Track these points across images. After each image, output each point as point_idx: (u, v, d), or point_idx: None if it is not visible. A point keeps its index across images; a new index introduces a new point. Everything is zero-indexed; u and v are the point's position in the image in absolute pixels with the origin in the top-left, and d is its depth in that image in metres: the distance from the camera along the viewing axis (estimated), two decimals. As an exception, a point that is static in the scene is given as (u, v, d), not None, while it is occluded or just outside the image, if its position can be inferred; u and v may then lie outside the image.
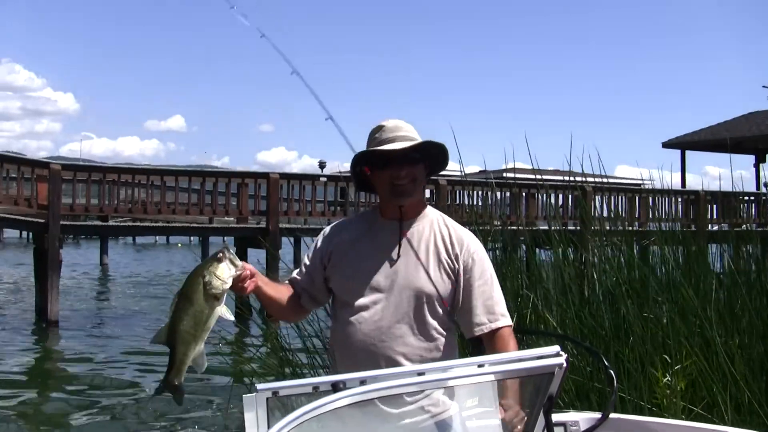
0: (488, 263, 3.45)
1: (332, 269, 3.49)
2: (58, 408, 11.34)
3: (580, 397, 5.56)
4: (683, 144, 36.93)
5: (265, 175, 21.05)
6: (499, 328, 3.37)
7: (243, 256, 18.15)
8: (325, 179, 22.57)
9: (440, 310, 3.36)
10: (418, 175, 3.40)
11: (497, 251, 7.51)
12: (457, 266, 3.38)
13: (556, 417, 4.50)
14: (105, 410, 11.09)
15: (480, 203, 24.74)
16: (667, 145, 37.02)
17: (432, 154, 3.42)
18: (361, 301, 3.36)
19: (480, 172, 60.67)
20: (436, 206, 14.11)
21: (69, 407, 11.38)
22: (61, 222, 17.99)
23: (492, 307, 3.38)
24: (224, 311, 3.01)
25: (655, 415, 5.43)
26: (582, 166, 8.44)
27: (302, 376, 6.17)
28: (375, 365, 3.20)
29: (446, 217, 3.51)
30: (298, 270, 3.60)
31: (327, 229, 3.64)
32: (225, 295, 3.01)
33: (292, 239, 28.10)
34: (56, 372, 14.65)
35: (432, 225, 3.44)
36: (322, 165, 52.99)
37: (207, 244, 39.93)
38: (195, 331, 2.97)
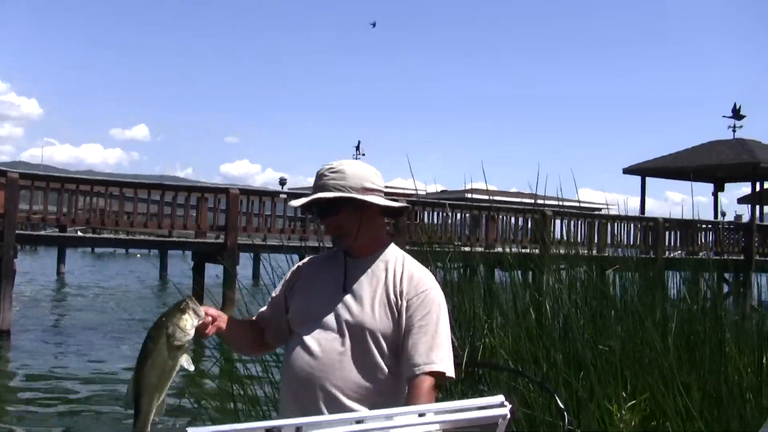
0: (438, 307, 3.25)
1: (291, 300, 3.46)
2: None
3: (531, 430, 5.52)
4: (644, 170, 37.25)
5: (224, 190, 21.01)
6: (425, 373, 3.14)
7: (201, 270, 18.27)
8: (284, 196, 22.51)
9: (387, 350, 3.22)
10: (344, 223, 3.29)
11: (456, 273, 7.45)
12: (400, 303, 3.23)
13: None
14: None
15: (440, 224, 24.77)
16: (627, 171, 37.31)
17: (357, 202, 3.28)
18: (306, 333, 3.30)
19: (441, 192, 60.87)
20: (395, 225, 13.93)
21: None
22: (18, 231, 17.78)
23: (429, 351, 3.16)
24: (186, 361, 3.03)
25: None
26: (545, 189, 8.37)
27: (255, 407, 6.08)
28: (312, 395, 3.21)
29: (408, 256, 3.37)
30: (268, 303, 3.58)
31: (300, 262, 3.62)
32: (188, 345, 3.04)
33: (251, 255, 28.10)
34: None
35: (387, 263, 3.33)
36: (282, 182, 53.00)
37: (166, 256, 39.71)
38: (159, 382, 3.00)
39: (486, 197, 49.05)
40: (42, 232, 19.61)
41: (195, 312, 3.05)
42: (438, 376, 3.14)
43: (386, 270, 3.30)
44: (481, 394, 5.80)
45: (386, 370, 3.22)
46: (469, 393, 5.91)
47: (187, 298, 3.10)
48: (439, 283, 3.35)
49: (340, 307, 3.28)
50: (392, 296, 3.24)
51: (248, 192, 21.78)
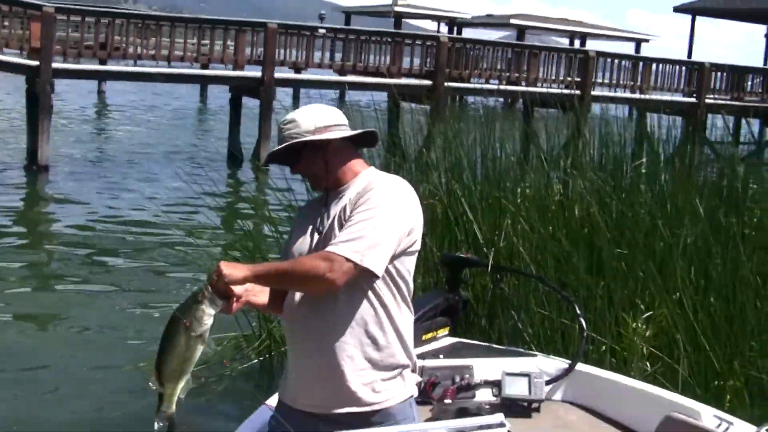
0: (381, 203, 3.13)
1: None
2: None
3: (548, 337, 5.57)
4: (696, 9, 35.88)
5: (262, 24, 20.69)
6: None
7: (238, 104, 18.27)
8: (323, 30, 22.19)
9: None
10: (309, 167, 3.34)
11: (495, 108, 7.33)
12: (349, 215, 3.19)
13: (521, 365, 4.55)
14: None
15: (483, 60, 24.33)
16: (678, 9, 35.99)
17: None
18: None
19: (487, 16, 59.47)
20: (436, 64, 13.80)
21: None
22: (54, 65, 17.70)
23: (343, 239, 3.07)
24: (205, 345, 3.09)
25: (618, 357, 5.46)
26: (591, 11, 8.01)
27: None
28: (297, 337, 3.30)
29: (379, 177, 3.33)
30: (282, 253, 3.57)
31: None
32: (208, 332, 3.07)
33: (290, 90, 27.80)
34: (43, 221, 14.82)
35: (356, 189, 3.28)
36: (321, 17, 52.04)
37: (205, 91, 39.54)
38: (180, 368, 3.07)
39: (531, 24, 47.90)
40: (79, 66, 19.34)
41: (212, 302, 3.06)
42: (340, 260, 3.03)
43: (350, 197, 3.27)
44: (503, 296, 5.91)
45: (370, 302, 3.20)
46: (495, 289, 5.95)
47: (203, 287, 3.09)
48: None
49: (313, 246, 3.28)
50: (346, 213, 3.22)
51: (286, 26, 21.51)
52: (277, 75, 20.42)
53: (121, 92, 38.38)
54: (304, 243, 3.32)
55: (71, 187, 16.97)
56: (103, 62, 22.72)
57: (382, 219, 3.10)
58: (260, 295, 3.41)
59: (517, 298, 5.78)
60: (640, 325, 5.34)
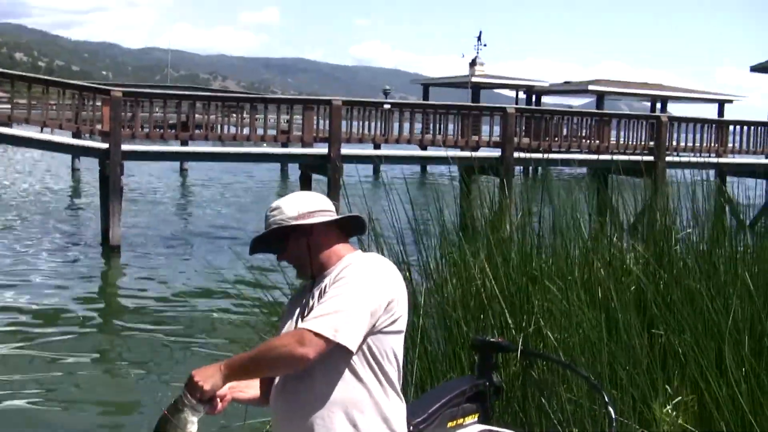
0: (352, 279, 3.09)
1: None
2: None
3: (579, 424, 5.29)
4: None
5: (328, 102, 20.93)
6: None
7: (308, 181, 18.26)
8: (388, 106, 22.33)
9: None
10: (293, 253, 3.32)
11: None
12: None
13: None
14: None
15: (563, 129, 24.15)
16: (756, 68, 35.36)
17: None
18: None
19: (564, 83, 59.09)
20: (504, 135, 13.58)
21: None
22: (124, 147, 18.13)
23: (315, 316, 3.02)
24: None
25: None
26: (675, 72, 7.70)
27: None
28: (278, 423, 3.27)
29: (359, 257, 3.29)
30: None
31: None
32: None
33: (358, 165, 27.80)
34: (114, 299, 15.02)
35: (336, 271, 3.23)
36: (386, 92, 52.47)
37: (286, 167, 39.99)
38: None
39: (609, 89, 47.39)
40: (149, 148, 19.88)
41: (193, 409, 3.03)
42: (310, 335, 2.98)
43: (332, 276, 3.23)
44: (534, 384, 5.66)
45: (338, 378, 3.13)
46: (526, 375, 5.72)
47: (182, 394, 3.05)
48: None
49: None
50: (324, 294, 3.17)
51: (351, 103, 21.69)
52: (344, 151, 20.56)
53: (205, 170, 39.13)
54: (289, 329, 3.25)
55: (141, 267, 17.24)
56: (184, 143, 23.31)
57: (353, 294, 3.05)
58: (248, 389, 3.38)
59: (547, 384, 5.54)
60: (669, 410, 5.04)
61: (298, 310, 3.28)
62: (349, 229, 3.41)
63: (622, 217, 7.87)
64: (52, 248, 18.94)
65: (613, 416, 4.53)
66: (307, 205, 3.30)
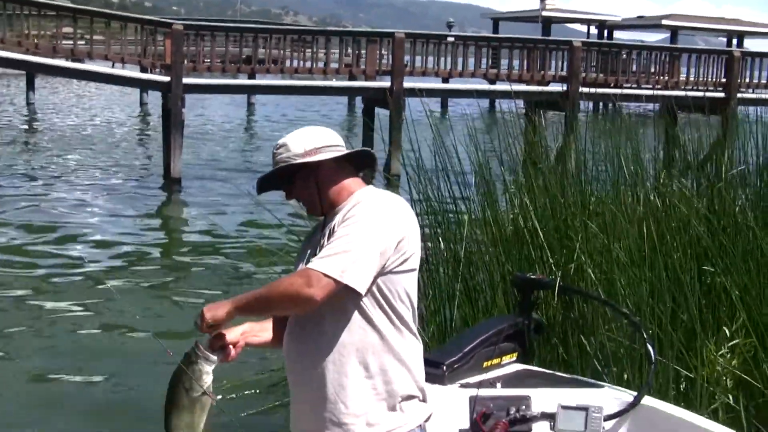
0: (362, 217, 2.99)
1: None
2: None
3: (614, 358, 5.12)
4: None
5: (390, 35, 20.67)
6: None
7: (371, 114, 18.12)
8: (452, 39, 21.97)
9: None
10: (302, 191, 3.21)
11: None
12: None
13: (582, 397, 4.17)
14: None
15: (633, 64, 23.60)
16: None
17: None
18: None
19: (638, 17, 57.91)
20: (570, 69, 13.29)
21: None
22: (185, 80, 18.16)
23: (330, 251, 2.92)
24: (210, 400, 3.04)
25: (696, 390, 4.97)
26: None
27: None
28: (290, 367, 3.20)
29: (370, 194, 3.17)
30: None
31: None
32: (210, 386, 3.02)
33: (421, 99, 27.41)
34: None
35: (347, 208, 3.12)
36: (450, 25, 51.76)
37: (353, 101, 39.71)
38: (190, 429, 3.04)
39: (683, 24, 46.15)
40: (209, 81, 19.86)
41: (206, 359, 3.00)
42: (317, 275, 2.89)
43: (342, 213, 3.12)
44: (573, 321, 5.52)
45: (359, 325, 3.04)
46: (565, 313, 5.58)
47: (193, 346, 3.02)
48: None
49: None
50: (333, 233, 3.07)
51: (414, 36, 21.46)
52: (407, 84, 20.32)
53: (273, 105, 39.13)
54: (300, 268, 3.16)
55: (201, 200, 17.34)
56: (251, 77, 23.29)
57: (361, 234, 2.94)
58: (261, 333, 3.32)
59: (586, 322, 5.39)
60: (724, 353, 4.85)
61: (309, 250, 3.19)
62: (359, 164, 3.30)
63: (689, 155, 7.64)
64: (114, 180, 19.14)
65: (653, 357, 4.39)
66: (314, 141, 3.17)
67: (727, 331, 5.07)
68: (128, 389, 7.56)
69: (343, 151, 3.21)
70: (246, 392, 6.77)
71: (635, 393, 4.17)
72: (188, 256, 12.99)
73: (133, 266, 12.06)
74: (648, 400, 4.12)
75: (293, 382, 3.21)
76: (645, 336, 4.48)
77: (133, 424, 6.69)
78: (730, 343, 5.00)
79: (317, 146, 3.16)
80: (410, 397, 3.12)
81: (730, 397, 4.92)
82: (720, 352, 4.92)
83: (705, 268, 5.52)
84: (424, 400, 3.19)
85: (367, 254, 2.92)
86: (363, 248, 2.92)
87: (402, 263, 3.05)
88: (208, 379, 2.99)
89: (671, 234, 5.83)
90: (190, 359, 2.99)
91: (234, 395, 6.55)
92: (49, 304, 9.90)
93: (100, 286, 10.65)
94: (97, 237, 13.76)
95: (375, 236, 2.95)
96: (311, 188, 3.18)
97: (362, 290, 2.93)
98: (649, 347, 4.38)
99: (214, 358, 3.01)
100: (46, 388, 7.61)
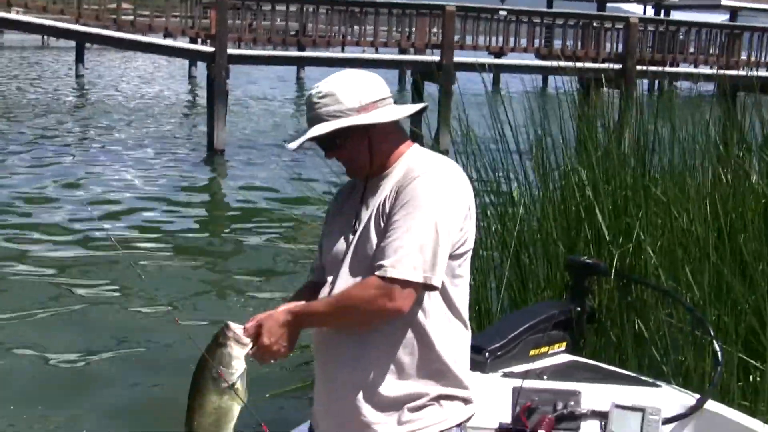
0: (424, 196, 2.56)
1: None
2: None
3: (680, 361, 4.67)
4: None
5: (441, 8, 20.28)
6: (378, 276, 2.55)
7: (419, 88, 17.81)
8: (504, 13, 21.50)
9: None
10: (352, 153, 2.71)
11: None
12: (390, 212, 2.62)
13: (639, 396, 3.76)
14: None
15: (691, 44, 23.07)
16: None
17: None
18: (326, 283, 2.78)
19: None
20: (626, 47, 12.88)
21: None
22: (229, 51, 17.92)
23: (404, 250, 2.52)
24: (242, 395, 2.56)
25: (764, 387, 4.51)
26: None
27: None
28: (320, 354, 2.80)
29: (423, 161, 2.70)
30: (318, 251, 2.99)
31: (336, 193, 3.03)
32: (243, 379, 2.56)
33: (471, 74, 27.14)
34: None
35: (395, 178, 2.68)
36: (502, -1, 51.15)
37: (404, 76, 39.43)
38: (216, 429, 2.57)
39: (744, 5, 45.35)
40: (253, 52, 19.67)
41: (237, 341, 2.54)
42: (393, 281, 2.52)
43: (391, 188, 2.66)
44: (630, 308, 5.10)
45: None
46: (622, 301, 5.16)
47: (223, 326, 2.56)
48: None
49: (350, 248, 2.71)
50: (385, 210, 2.63)
51: (465, 8, 21.01)
52: (457, 59, 19.87)
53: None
54: (339, 246, 2.75)
55: (243, 172, 17.05)
56: (302, 49, 23.04)
57: (429, 220, 2.55)
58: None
59: (643, 309, 4.95)
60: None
61: (345, 224, 2.76)
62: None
63: (750, 137, 7.19)
64: (159, 150, 18.94)
65: (720, 358, 3.97)
66: (369, 93, 2.68)
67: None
68: (151, 386, 6.96)
69: (402, 107, 2.77)
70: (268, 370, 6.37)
71: (697, 395, 3.80)
72: (227, 232, 12.68)
73: (168, 243, 11.77)
74: (712, 405, 3.75)
75: (320, 374, 2.83)
76: (712, 334, 4.07)
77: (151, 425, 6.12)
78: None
79: (374, 99, 2.69)
80: (452, 398, 2.73)
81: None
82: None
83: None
84: (468, 399, 2.79)
85: (441, 245, 2.55)
86: (435, 239, 2.54)
87: (462, 245, 2.67)
88: (239, 367, 2.54)
89: (740, 215, 5.36)
90: (219, 341, 2.54)
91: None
92: (78, 282, 9.61)
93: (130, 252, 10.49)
94: (134, 204, 13.64)
95: (443, 221, 2.57)
96: (363, 150, 2.71)
97: (440, 286, 2.58)
98: (717, 347, 3.97)
99: (248, 341, 2.56)
100: (63, 372, 7.23)
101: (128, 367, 7.21)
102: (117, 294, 9.10)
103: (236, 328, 2.56)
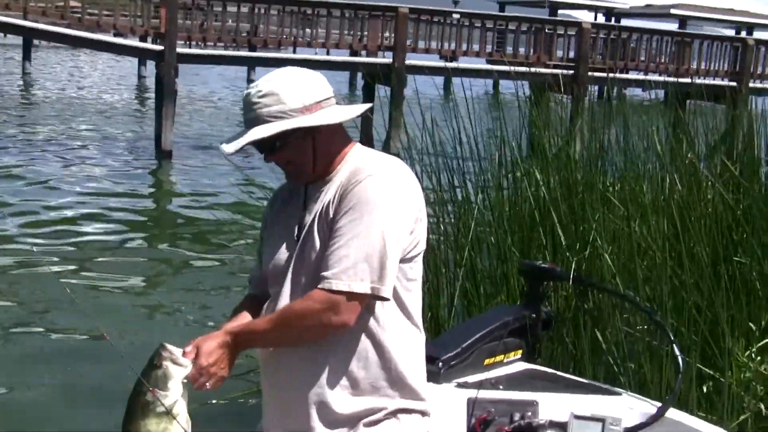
0: (378, 207, 2.41)
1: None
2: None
3: (640, 369, 4.57)
4: None
5: (393, 9, 20.21)
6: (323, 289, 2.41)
7: (370, 91, 17.71)
8: (457, 16, 21.45)
9: None
10: (295, 156, 2.54)
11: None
12: (334, 216, 2.47)
13: (599, 405, 3.65)
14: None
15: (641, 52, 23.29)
16: None
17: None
18: (267, 297, 2.63)
19: (646, 5, 57.65)
20: (578, 52, 12.93)
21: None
22: (178, 50, 17.68)
23: (349, 260, 2.38)
24: (183, 421, 2.37)
25: (722, 394, 4.44)
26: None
27: None
28: (267, 364, 2.64)
29: (368, 161, 2.54)
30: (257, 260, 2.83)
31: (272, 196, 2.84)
32: (183, 402, 2.38)
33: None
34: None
35: (340, 179, 2.52)
36: (455, 1, 51.38)
37: (355, 79, 39.32)
38: None
39: (692, 14, 45.91)
40: (202, 51, 19.47)
41: (174, 362, 2.36)
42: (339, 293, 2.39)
43: (336, 192, 2.50)
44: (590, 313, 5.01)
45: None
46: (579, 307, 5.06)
47: (159, 347, 2.38)
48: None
49: (293, 258, 2.54)
50: (329, 215, 2.47)
51: (418, 11, 20.94)
52: (409, 62, 19.76)
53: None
54: (281, 256, 2.59)
55: (189, 173, 16.80)
56: (253, 49, 22.79)
57: (377, 226, 2.40)
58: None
59: (601, 315, 4.86)
60: (753, 354, 4.31)
61: (286, 230, 2.60)
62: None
63: (699, 143, 7.27)
64: (105, 151, 18.58)
65: (681, 365, 3.87)
66: (312, 93, 2.53)
67: (753, 326, 4.55)
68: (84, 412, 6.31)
69: (346, 108, 2.60)
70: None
71: (658, 404, 3.68)
72: (173, 234, 12.42)
73: (115, 234, 11.58)
74: (673, 413, 3.63)
75: (266, 385, 2.67)
76: (673, 340, 3.97)
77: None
78: (760, 343, 4.47)
79: (318, 99, 2.53)
80: (408, 411, 2.61)
81: (762, 406, 4.40)
82: (748, 354, 4.39)
83: (736, 258, 4.97)
84: (425, 411, 2.66)
85: (389, 253, 2.41)
86: (383, 246, 2.40)
87: (414, 248, 2.53)
88: (175, 388, 2.36)
89: (695, 220, 5.30)
90: (154, 363, 2.36)
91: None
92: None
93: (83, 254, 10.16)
94: (80, 210, 13.15)
95: (391, 227, 2.43)
96: (306, 152, 2.55)
97: (391, 296, 2.43)
98: (677, 353, 3.87)
99: (186, 362, 2.38)
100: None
101: (56, 394, 6.64)
102: (43, 313, 8.33)
103: (174, 349, 2.39)
